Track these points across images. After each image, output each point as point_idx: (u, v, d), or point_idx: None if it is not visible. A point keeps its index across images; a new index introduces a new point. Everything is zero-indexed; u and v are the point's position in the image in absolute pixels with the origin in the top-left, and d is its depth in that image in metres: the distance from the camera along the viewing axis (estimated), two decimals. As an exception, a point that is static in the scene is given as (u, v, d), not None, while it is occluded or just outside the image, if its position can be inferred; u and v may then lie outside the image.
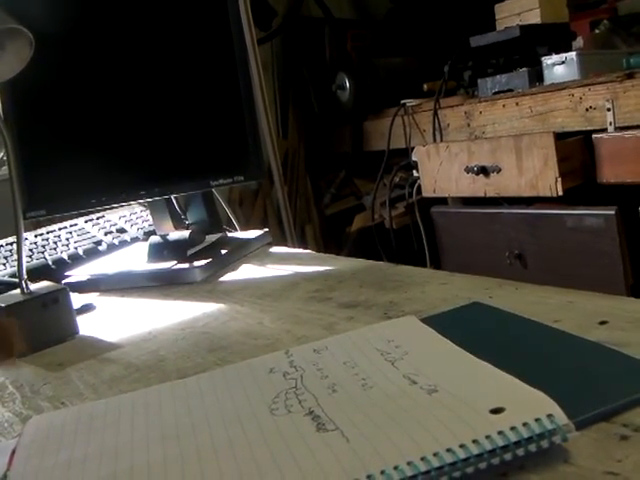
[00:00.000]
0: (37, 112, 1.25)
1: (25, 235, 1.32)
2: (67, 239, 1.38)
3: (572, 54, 1.98)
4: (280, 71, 3.08)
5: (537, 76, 2.10)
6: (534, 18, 2.26)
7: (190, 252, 1.19)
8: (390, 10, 3.12)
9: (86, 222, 1.47)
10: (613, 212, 1.72)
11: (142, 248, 1.27)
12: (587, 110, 1.86)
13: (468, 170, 2.07)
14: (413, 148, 2.43)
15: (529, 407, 0.40)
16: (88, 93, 1.23)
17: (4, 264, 1.27)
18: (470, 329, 0.62)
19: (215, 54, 1.14)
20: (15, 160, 1.19)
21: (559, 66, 2.01)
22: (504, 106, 2.12)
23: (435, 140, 2.37)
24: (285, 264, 1.13)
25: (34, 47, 0.97)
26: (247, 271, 1.12)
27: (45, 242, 1.36)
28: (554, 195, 1.84)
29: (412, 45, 2.88)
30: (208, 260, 1.13)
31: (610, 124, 1.79)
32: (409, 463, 0.37)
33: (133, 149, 1.22)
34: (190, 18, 1.16)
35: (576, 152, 1.86)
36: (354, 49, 2.97)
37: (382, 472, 0.37)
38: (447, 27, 2.66)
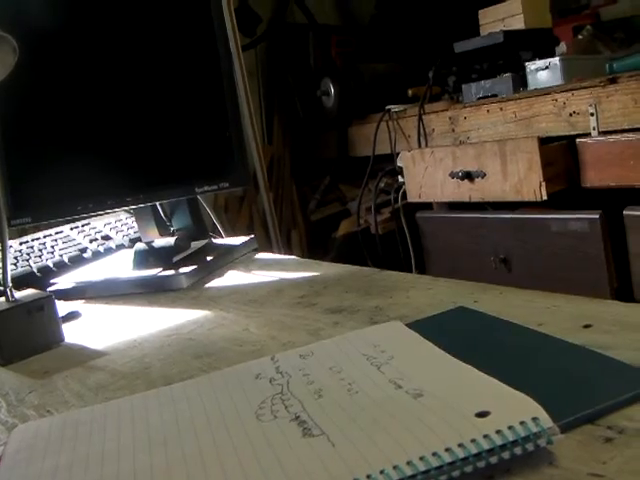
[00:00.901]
0: (22, 119, 1.25)
1: (10, 243, 1.31)
2: (52, 247, 1.38)
3: (555, 59, 2.00)
4: (265, 77, 3.09)
5: (521, 81, 2.11)
6: (518, 24, 2.28)
7: (176, 259, 1.19)
8: (374, 16, 3.12)
9: (71, 229, 1.47)
10: (597, 216, 1.73)
11: (127, 255, 1.27)
12: (571, 115, 1.87)
13: (453, 175, 2.08)
14: (398, 153, 2.44)
15: (514, 410, 0.40)
16: (74, 101, 1.22)
17: (-12, 272, 1.26)
18: (455, 333, 0.62)
19: (200, 60, 1.15)
20: (0, 167, 1.19)
21: (543, 71, 2.02)
22: (488, 111, 2.13)
23: (420, 145, 2.38)
24: (271, 270, 1.12)
25: (18, 54, 0.96)
26: (233, 277, 1.12)
27: (30, 250, 1.36)
28: (538, 199, 1.84)
29: (396, 51, 2.89)
30: (194, 267, 1.13)
31: (594, 129, 1.80)
32: (395, 467, 0.37)
33: (118, 156, 1.22)
34: (174, 25, 1.16)
35: (560, 157, 1.87)
36: (338, 55, 2.98)
37: (368, 476, 0.37)
38: (431, 33, 2.67)
